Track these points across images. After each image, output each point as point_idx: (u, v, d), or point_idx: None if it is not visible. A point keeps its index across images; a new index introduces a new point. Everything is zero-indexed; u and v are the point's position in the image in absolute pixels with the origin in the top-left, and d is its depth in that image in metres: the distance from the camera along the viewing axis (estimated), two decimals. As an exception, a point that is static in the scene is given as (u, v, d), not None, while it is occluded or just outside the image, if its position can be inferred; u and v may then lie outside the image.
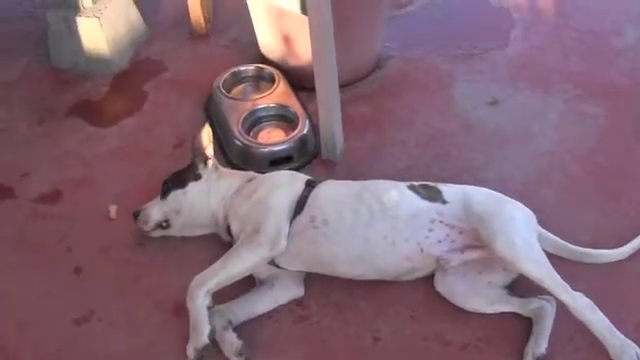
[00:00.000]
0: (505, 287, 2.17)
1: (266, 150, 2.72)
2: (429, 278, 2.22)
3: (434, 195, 2.22)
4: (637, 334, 2.02)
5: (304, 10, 2.54)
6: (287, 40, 2.99)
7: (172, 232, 2.42)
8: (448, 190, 2.25)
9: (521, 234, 2.10)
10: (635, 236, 2.31)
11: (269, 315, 2.20)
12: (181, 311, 2.10)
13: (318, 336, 2.16)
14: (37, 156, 2.88)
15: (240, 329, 2.12)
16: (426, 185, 2.28)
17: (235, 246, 2.17)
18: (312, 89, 2.65)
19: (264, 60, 3.20)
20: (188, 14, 3.49)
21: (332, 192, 2.27)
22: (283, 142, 2.73)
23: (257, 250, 2.12)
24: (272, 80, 3.01)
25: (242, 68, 3.11)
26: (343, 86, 2.84)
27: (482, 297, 2.15)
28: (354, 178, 2.41)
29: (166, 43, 3.50)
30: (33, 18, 3.65)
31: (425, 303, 2.20)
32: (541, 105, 2.98)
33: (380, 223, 2.15)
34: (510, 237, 2.07)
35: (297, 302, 2.24)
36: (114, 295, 2.31)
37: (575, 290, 2.00)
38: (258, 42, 3.23)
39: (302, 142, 2.74)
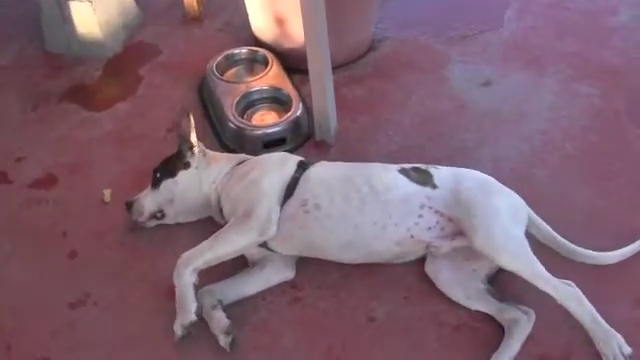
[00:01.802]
0: (487, 282, 2.14)
1: (260, 132, 2.71)
2: (423, 260, 2.22)
3: (424, 179, 2.20)
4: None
5: (296, -9, 2.53)
6: (280, 22, 2.98)
7: (167, 221, 2.42)
8: (439, 173, 2.23)
9: (502, 227, 2.06)
10: (628, 217, 2.31)
11: (263, 296, 2.21)
12: (175, 295, 2.10)
13: (313, 317, 2.17)
14: (31, 141, 2.88)
15: (234, 310, 2.13)
16: (417, 168, 2.26)
17: (225, 227, 2.17)
18: (305, 71, 2.64)
19: (257, 43, 3.19)
20: (181, -3, 3.49)
21: (324, 175, 2.25)
22: (276, 124, 2.73)
23: (247, 234, 2.12)
24: (265, 62, 3.01)
25: (235, 51, 3.11)
26: (337, 68, 2.84)
27: (462, 288, 2.13)
28: (348, 159, 2.41)
29: (159, 27, 3.49)
30: (26, 3, 3.64)
31: (420, 285, 2.21)
32: (535, 85, 2.98)
33: (371, 208, 2.13)
34: (489, 231, 2.04)
35: (291, 284, 2.24)
36: (109, 279, 2.32)
37: (565, 278, 2.00)
38: (251, 25, 3.22)
39: (295, 124, 2.74)
